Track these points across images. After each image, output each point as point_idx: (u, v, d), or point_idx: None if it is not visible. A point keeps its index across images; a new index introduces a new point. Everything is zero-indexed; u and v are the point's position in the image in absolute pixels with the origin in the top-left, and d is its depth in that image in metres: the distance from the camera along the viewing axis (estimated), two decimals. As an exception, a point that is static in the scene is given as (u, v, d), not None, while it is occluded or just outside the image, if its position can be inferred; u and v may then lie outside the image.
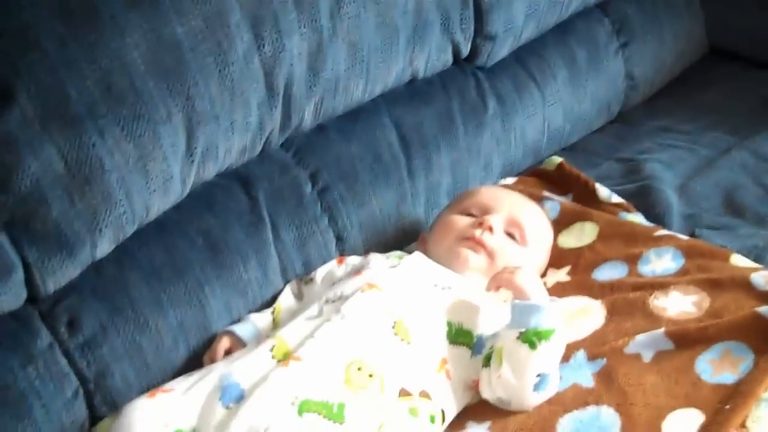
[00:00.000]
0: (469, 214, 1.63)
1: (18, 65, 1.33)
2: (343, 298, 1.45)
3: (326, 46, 1.64)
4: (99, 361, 1.46)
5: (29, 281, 1.41)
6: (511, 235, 1.60)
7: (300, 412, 1.29)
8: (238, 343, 1.52)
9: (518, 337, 1.37)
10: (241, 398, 1.31)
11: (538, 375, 1.37)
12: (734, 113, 2.18)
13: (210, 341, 1.54)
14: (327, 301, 1.47)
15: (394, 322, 1.42)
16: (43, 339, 1.43)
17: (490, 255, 1.56)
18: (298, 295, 1.64)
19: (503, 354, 1.38)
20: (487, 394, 1.42)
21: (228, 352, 1.50)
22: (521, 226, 1.61)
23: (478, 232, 1.57)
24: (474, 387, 1.44)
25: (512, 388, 1.38)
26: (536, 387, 1.37)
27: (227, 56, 1.49)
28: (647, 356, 1.43)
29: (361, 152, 1.78)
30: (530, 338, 1.36)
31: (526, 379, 1.36)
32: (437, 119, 1.89)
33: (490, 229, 1.57)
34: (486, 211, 1.62)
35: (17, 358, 1.40)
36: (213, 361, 1.48)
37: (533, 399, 1.38)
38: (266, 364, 1.36)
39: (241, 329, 1.54)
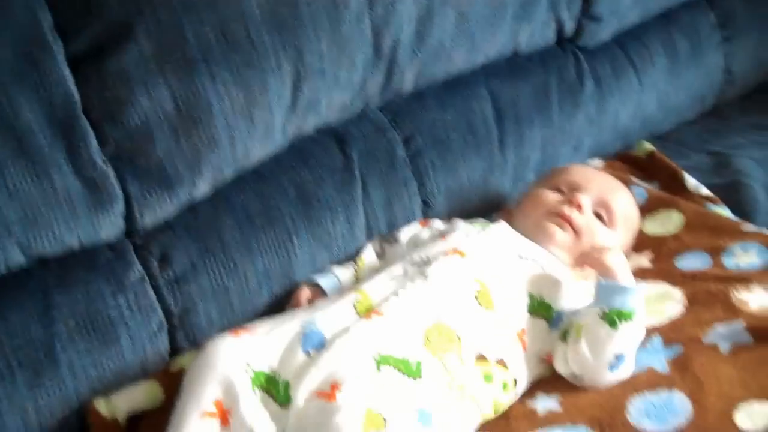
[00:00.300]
0: (559, 191, 1.64)
1: (140, 4, 1.37)
2: (428, 261, 1.47)
3: (435, 13, 1.66)
4: (186, 298, 1.50)
5: (128, 214, 1.46)
6: (599, 216, 1.61)
7: (378, 366, 1.31)
8: (320, 294, 1.55)
9: (601, 316, 1.38)
10: (321, 346, 1.33)
11: (616, 355, 1.38)
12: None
13: (292, 290, 1.57)
14: (412, 263, 1.49)
15: (477, 289, 1.44)
16: (136, 271, 1.48)
17: (577, 233, 1.57)
18: (381, 253, 1.66)
19: (583, 330, 1.39)
20: (561, 368, 1.43)
21: (309, 302, 1.53)
22: (610, 208, 1.61)
23: (567, 209, 1.58)
24: (547, 360, 1.46)
25: (588, 365, 1.39)
26: (612, 367, 1.38)
27: (340, 13, 1.52)
28: (724, 348, 1.43)
29: (456, 121, 1.80)
30: (612, 318, 1.37)
31: (603, 357, 1.38)
32: (533, 95, 1.90)
33: (580, 207, 1.58)
34: (576, 189, 1.62)
35: (110, 286, 1.45)
36: (295, 308, 1.51)
37: (607, 378, 1.40)
38: (349, 316, 1.38)
39: (324, 280, 1.57)
